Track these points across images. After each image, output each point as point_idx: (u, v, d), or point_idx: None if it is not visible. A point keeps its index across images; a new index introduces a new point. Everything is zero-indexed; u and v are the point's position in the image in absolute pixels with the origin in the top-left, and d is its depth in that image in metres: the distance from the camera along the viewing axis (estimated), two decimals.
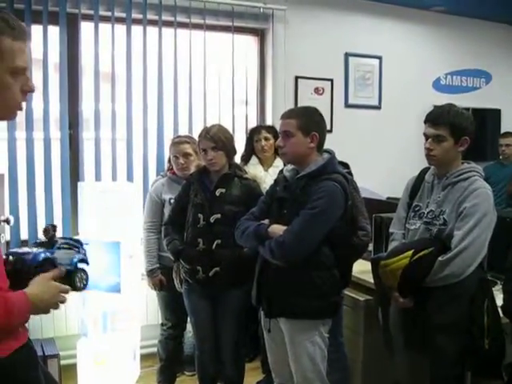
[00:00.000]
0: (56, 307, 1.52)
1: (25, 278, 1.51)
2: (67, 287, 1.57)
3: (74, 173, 3.99)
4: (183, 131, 4.19)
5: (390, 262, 2.49)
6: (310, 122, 2.52)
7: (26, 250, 1.64)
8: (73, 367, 3.54)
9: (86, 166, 4.03)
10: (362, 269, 3.07)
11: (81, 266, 1.72)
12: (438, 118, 2.46)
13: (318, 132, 2.52)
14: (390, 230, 2.73)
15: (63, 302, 1.53)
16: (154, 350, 3.83)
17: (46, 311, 1.51)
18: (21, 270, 1.54)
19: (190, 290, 3.09)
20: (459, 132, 2.43)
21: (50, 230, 1.74)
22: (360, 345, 3.23)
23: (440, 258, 2.37)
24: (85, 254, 1.78)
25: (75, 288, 1.67)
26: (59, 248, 1.70)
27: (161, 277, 3.45)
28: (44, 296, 1.47)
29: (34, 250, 1.64)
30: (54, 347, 3.64)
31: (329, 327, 2.57)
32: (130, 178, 4.08)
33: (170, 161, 3.65)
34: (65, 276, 1.62)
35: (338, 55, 4.93)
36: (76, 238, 1.87)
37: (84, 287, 1.73)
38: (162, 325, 3.64)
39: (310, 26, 4.73)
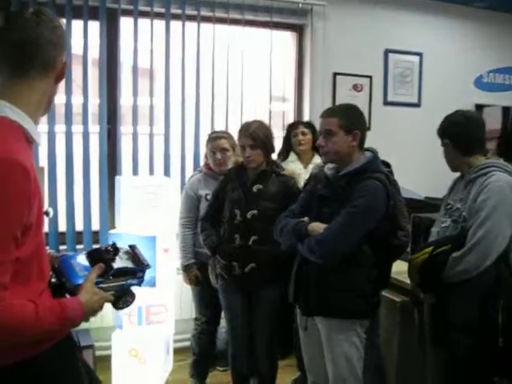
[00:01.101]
0: (95, 315, 1.54)
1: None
2: (111, 298, 1.58)
3: (111, 167, 4.04)
4: (220, 127, 4.20)
5: (413, 258, 2.52)
6: (351, 120, 2.49)
7: (76, 263, 1.59)
8: (107, 358, 3.58)
9: (123, 161, 4.07)
10: (398, 269, 3.02)
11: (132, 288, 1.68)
12: None
13: (360, 130, 2.48)
14: (431, 230, 2.70)
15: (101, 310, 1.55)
16: (187, 343, 3.85)
17: (88, 319, 1.53)
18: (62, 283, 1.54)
19: (226, 285, 3.09)
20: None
21: (110, 251, 1.62)
22: (395, 346, 3.19)
23: (453, 254, 2.37)
24: (141, 277, 1.68)
25: (115, 307, 1.64)
26: (110, 276, 1.58)
27: (196, 272, 3.46)
28: (94, 306, 1.49)
29: (81, 268, 1.57)
30: (89, 338, 3.69)
31: (366, 327, 2.54)
32: (166, 172, 4.11)
33: (206, 156, 3.66)
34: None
35: (378, 51, 4.86)
36: (143, 259, 1.69)
37: (123, 308, 1.68)
38: (196, 319, 3.65)
39: (349, 22, 4.68)
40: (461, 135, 2.54)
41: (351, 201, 2.38)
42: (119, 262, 1.61)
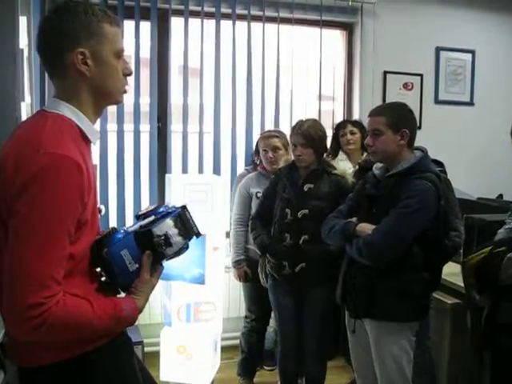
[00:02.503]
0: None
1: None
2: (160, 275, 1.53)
3: (161, 165, 4.08)
4: (270, 126, 4.20)
5: (469, 258, 2.44)
6: (399, 119, 2.45)
7: (125, 254, 1.46)
8: (156, 354, 3.62)
9: (173, 159, 4.11)
10: (450, 271, 2.96)
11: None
12: None
13: (408, 128, 2.44)
14: (498, 231, 2.64)
15: None
16: (235, 342, 3.87)
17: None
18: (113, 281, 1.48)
19: (276, 285, 3.09)
20: None
21: (162, 244, 1.45)
22: (446, 349, 3.13)
23: (509, 255, 2.28)
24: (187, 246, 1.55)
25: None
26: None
27: (246, 268, 3.48)
28: (145, 300, 1.48)
29: (130, 259, 1.45)
30: (139, 334, 3.73)
31: (416, 330, 2.49)
32: (216, 171, 4.13)
33: (256, 155, 3.67)
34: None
35: (429, 49, 4.76)
36: (192, 227, 1.54)
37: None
38: (246, 317, 3.67)
39: (399, 20, 4.60)
40: None
41: (400, 201, 2.35)
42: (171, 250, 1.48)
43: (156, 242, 1.44)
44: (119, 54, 1.47)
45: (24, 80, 3.15)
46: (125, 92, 1.53)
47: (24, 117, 2.98)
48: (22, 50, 2.93)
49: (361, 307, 2.49)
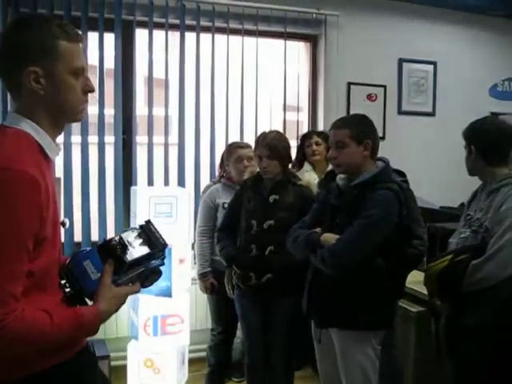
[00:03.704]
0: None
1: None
2: (136, 289, 1.53)
3: (127, 177, 4.05)
4: (235, 137, 4.21)
5: (431, 266, 2.49)
6: (362, 131, 2.48)
7: (87, 264, 1.48)
8: (123, 368, 3.58)
9: (138, 171, 4.08)
10: (414, 279, 3.00)
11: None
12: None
13: (371, 140, 2.48)
14: (449, 241, 2.68)
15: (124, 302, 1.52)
16: (202, 354, 3.84)
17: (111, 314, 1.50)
18: (78, 292, 1.49)
19: (242, 295, 3.09)
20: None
21: (118, 249, 1.48)
22: (411, 356, 3.17)
23: (473, 262, 2.34)
24: (162, 256, 1.59)
25: (143, 286, 1.58)
26: (126, 271, 1.50)
27: (212, 280, 3.46)
28: (113, 309, 1.47)
29: (93, 269, 1.47)
30: (105, 348, 3.69)
31: (381, 339, 2.51)
32: (181, 183, 4.12)
33: (221, 166, 3.68)
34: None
35: (392, 61, 4.85)
36: (158, 237, 1.56)
37: (150, 285, 1.61)
38: (212, 330, 3.65)
39: (363, 32, 4.67)
40: (490, 146, 2.51)
41: (363, 211, 2.37)
42: (133, 252, 1.50)
43: (113, 247, 1.48)
44: (77, 71, 1.43)
45: None
46: (82, 111, 1.49)
47: None
48: None
49: (326, 317, 2.51)
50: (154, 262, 1.57)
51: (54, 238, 1.41)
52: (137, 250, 1.51)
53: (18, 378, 1.35)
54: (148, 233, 1.55)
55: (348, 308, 2.41)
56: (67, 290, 1.49)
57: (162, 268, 1.63)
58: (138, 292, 1.55)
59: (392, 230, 2.39)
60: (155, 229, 1.57)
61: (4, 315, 1.22)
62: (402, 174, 2.82)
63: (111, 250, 1.48)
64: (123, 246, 1.49)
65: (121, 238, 1.50)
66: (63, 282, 1.48)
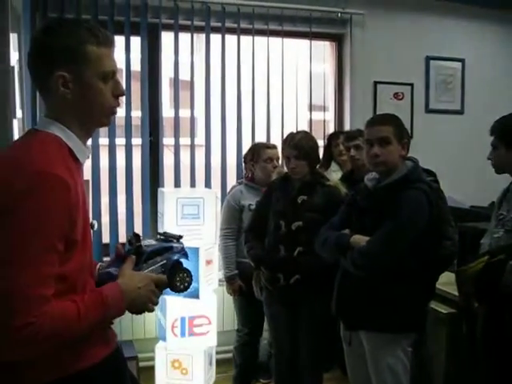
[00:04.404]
0: (151, 302, 1.50)
1: None
2: (163, 278, 1.54)
3: (153, 179, 4.07)
4: (261, 137, 4.21)
5: (467, 268, 2.45)
6: (402, 129, 2.46)
7: (111, 270, 1.54)
8: (151, 369, 3.60)
9: (165, 172, 4.10)
10: (444, 280, 2.95)
11: (184, 262, 1.63)
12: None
13: (408, 139, 2.46)
14: (481, 241, 2.63)
15: (156, 294, 1.51)
16: (229, 355, 3.84)
17: (143, 304, 1.49)
18: None
19: (270, 297, 3.08)
20: None
21: (133, 241, 1.56)
22: (443, 358, 3.12)
23: (511, 262, 2.29)
24: (182, 250, 1.65)
25: (174, 289, 1.59)
26: (146, 260, 1.55)
27: (240, 283, 3.46)
28: (136, 284, 1.45)
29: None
30: (133, 349, 3.72)
31: (412, 341, 2.48)
32: (207, 184, 4.13)
33: (247, 168, 3.67)
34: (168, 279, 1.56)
35: (419, 59, 4.79)
36: (170, 233, 1.68)
37: (187, 287, 1.62)
38: (238, 331, 3.65)
39: (389, 30, 4.63)
40: None
41: (393, 212, 2.34)
42: (150, 247, 1.58)
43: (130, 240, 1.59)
44: (106, 75, 1.43)
45: (16, 96, 3.15)
46: (113, 114, 1.50)
47: (16, 133, 2.98)
48: (13, 68, 2.93)
49: (356, 319, 2.49)
50: (174, 255, 1.60)
51: (85, 240, 1.41)
52: (153, 245, 1.60)
53: (48, 381, 1.36)
54: (163, 237, 1.67)
55: (378, 310, 2.38)
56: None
57: (189, 268, 1.65)
58: (165, 284, 1.56)
59: (422, 231, 2.36)
60: (168, 233, 1.69)
61: (34, 318, 1.22)
62: (431, 173, 2.80)
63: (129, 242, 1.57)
64: (137, 237, 1.57)
65: (134, 233, 1.60)
66: None
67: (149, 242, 1.62)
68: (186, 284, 1.62)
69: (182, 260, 1.64)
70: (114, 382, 1.52)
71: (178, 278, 1.60)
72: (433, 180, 2.69)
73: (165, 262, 1.57)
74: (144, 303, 1.48)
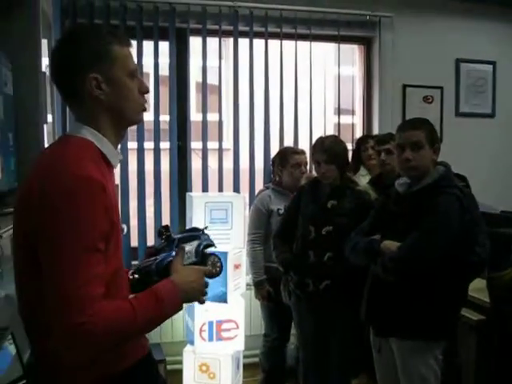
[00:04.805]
0: (203, 293, 1.52)
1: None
2: (205, 268, 1.56)
3: (181, 183, 4.09)
4: (289, 142, 4.20)
5: (501, 275, 2.39)
6: (434, 134, 2.44)
7: (147, 262, 1.61)
8: (178, 372, 3.60)
9: (193, 177, 4.11)
10: (474, 286, 2.90)
11: (209, 250, 1.68)
12: None
13: (439, 144, 2.42)
14: None
15: (206, 285, 1.53)
16: (256, 360, 3.83)
17: (196, 297, 1.51)
18: (148, 281, 1.53)
19: (299, 302, 3.06)
20: None
21: (163, 231, 1.66)
22: (472, 366, 3.07)
23: None
24: (208, 238, 1.71)
25: (210, 274, 1.62)
26: (178, 245, 1.62)
27: (268, 288, 3.45)
28: (189, 278, 1.47)
29: (156, 257, 1.60)
30: (161, 352, 3.73)
31: (443, 348, 2.44)
32: (236, 188, 4.13)
33: (274, 172, 3.67)
34: (198, 264, 1.60)
35: (449, 61, 4.74)
36: (192, 226, 1.78)
37: (220, 271, 1.68)
38: (265, 335, 3.64)
39: (418, 33, 4.58)
40: None
41: (425, 218, 2.31)
42: (179, 236, 1.66)
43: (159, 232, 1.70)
44: (132, 73, 1.47)
45: (47, 101, 3.19)
46: (144, 110, 1.53)
47: (46, 138, 3.02)
48: (44, 73, 2.97)
49: (386, 326, 2.46)
50: (202, 242, 1.66)
51: (118, 242, 1.43)
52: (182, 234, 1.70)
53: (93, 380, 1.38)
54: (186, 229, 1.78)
55: (410, 317, 2.35)
56: (136, 276, 1.58)
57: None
58: (214, 275, 1.62)
59: (455, 237, 2.32)
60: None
61: (86, 317, 1.23)
62: (462, 178, 2.75)
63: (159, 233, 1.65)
64: (166, 227, 1.67)
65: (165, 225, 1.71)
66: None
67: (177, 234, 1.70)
68: (218, 269, 1.69)
69: (210, 249, 1.70)
70: (149, 382, 1.54)
71: (210, 262, 1.66)
72: (464, 185, 2.64)
73: (196, 246, 1.62)
74: (197, 296, 1.51)
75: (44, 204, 1.27)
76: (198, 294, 1.51)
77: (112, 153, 1.45)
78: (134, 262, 3.96)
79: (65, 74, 1.42)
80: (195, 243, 1.64)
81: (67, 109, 3.74)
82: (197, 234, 1.69)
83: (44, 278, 1.27)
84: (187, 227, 3.63)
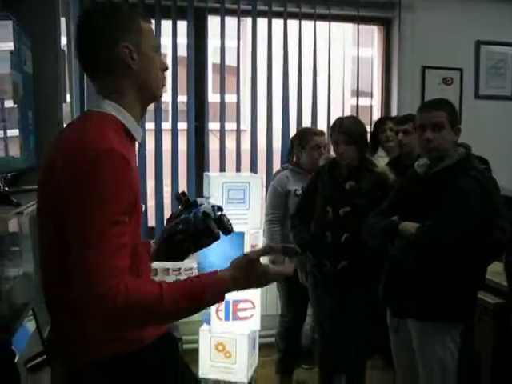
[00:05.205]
0: (263, 285, 1.46)
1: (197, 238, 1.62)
2: (288, 269, 1.47)
3: (199, 163, 4.10)
4: (307, 123, 4.18)
5: None
6: (455, 115, 2.42)
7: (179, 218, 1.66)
8: (194, 352, 3.64)
9: (211, 157, 4.12)
10: (492, 270, 2.89)
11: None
12: None
13: (459, 125, 2.39)
14: None
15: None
16: (272, 339, 3.85)
17: (254, 287, 1.46)
18: (192, 231, 1.61)
19: (316, 283, 3.08)
20: None
21: (181, 197, 1.70)
22: (489, 349, 3.07)
23: None
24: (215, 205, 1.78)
25: (228, 229, 1.71)
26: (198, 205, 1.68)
27: None
28: (254, 280, 1.41)
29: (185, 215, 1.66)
30: (178, 332, 3.76)
31: (461, 330, 2.44)
32: (253, 169, 4.13)
33: (291, 152, 3.66)
34: (218, 222, 1.67)
35: (469, 43, 4.66)
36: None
37: (232, 229, 1.74)
38: (282, 316, 3.65)
39: (438, 14, 4.51)
40: None
41: (444, 200, 2.29)
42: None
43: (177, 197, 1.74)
44: (157, 49, 1.49)
45: (66, 80, 3.20)
46: (163, 86, 1.54)
47: (65, 117, 3.03)
48: (63, 52, 2.97)
49: (404, 307, 2.46)
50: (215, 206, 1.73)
51: (138, 219, 1.43)
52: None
53: (107, 357, 1.38)
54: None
55: (428, 298, 2.35)
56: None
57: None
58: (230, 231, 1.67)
59: (474, 220, 2.30)
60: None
61: (112, 288, 1.22)
62: (484, 161, 2.73)
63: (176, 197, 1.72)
64: (185, 193, 1.73)
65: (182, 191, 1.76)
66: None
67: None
68: (231, 225, 1.74)
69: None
70: (171, 357, 1.55)
71: (226, 219, 1.71)
72: (485, 168, 2.62)
73: (211, 206, 1.69)
74: (257, 286, 1.46)
75: (68, 176, 1.28)
76: (258, 286, 1.46)
77: (135, 127, 1.45)
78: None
79: (96, 43, 1.42)
80: (209, 203, 1.72)
81: (85, 89, 3.76)
82: (201, 201, 1.74)
83: (70, 249, 1.27)
84: None
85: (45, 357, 1.70)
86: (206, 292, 1.33)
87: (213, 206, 1.70)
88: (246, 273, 1.38)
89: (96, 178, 1.26)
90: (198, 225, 1.63)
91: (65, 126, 2.86)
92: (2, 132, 2.22)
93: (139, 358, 1.43)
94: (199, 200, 1.71)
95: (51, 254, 1.39)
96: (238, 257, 1.41)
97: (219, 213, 1.72)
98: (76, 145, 1.31)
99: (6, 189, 2.26)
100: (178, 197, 1.70)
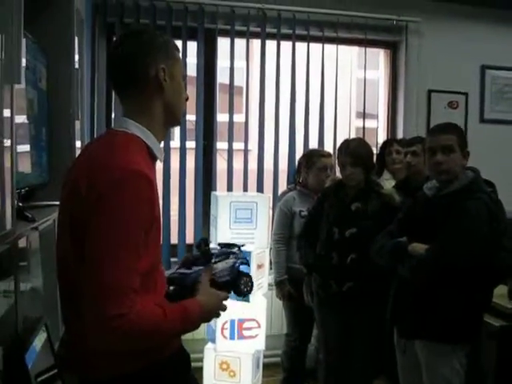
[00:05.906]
0: (218, 316, 1.57)
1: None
2: (226, 294, 1.58)
3: (206, 182, 4.12)
4: (313, 144, 4.21)
5: None
6: (464, 139, 2.46)
7: (183, 271, 1.63)
8: (199, 370, 3.62)
9: (218, 176, 4.15)
10: (496, 292, 2.90)
11: (243, 269, 1.70)
12: None
13: (467, 149, 2.43)
14: None
15: (224, 309, 1.56)
16: (276, 359, 3.85)
17: (209, 319, 1.57)
18: (179, 293, 1.57)
19: (321, 304, 3.08)
20: None
21: (202, 245, 1.68)
22: (493, 371, 3.06)
23: None
24: (244, 257, 1.74)
25: (240, 293, 1.67)
26: (215, 261, 1.64)
27: (289, 288, 3.47)
28: (209, 305, 1.50)
29: (193, 269, 1.62)
30: None
31: (467, 351, 2.45)
32: (259, 189, 4.16)
33: (298, 174, 3.69)
34: (230, 283, 1.63)
35: (474, 68, 4.71)
36: (231, 242, 1.80)
37: (249, 291, 1.70)
38: (288, 335, 3.66)
39: (444, 38, 4.57)
40: None
41: (453, 222, 2.32)
42: (216, 251, 1.69)
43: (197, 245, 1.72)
44: (184, 77, 1.57)
45: (78, 98, 3.24)
46: (183, 115, 1.62)
47: (77, 135, 3.06)
48: (77, 70, 3.02)
49: (411, 328, 2.47)
50: (237, 260, 1.68)
51: (158, 237, 1.45)
52: (219, 248, 1.74)
53: (118, 374, 1.39)
54: (223, 244, 1.79)
55: (436, 319, 2.37)
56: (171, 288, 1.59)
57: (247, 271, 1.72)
58: (227, 298, 1.60)
59: (482, 242, 2.33)
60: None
61: (126, 309, 1.26)
62: (491, 184, 2.75)
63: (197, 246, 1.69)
64: (205, 240, 1.70)
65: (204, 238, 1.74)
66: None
67: (214, 249, 1.72)
68: (249, 288, 1.69)
69: (244, 266, 1.71)
70: (183, 373, 1.59)
71: (243, 282, 1.67)
72: (491, 191, 2.65)
73: (231, 265, 1.64)
74: (211, 319, 1.58)
75: (92, 195, 1.30)
76: (213, 316, 1.56)
77: (157, 147, 1.49)
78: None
79: (138, 60, 1.46)
80: (231, 262, 1.66)
81: (95, 107, 3.81)
82: (233, 251, 1.71)
83: (87, 267, 1.29)
84: (211, 226, 3.66)
85: (56, 371, 1.71)
86: (194, 314, 1.43)
87: (233, 267, 1.66)
88: (208, 295, 1.51)
89: (118, 199, 1.29)
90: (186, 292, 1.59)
91: (77, 143, 2.91)
92: (17, 148, 2.24)
93: (152, 374, 1.44)
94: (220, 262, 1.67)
95: (68, 268, 1.42)
96: (199, 285, 1.53)
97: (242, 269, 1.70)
98: (101, 163, 1.34)
99: (20, 204, 2.28)
100: (199, 245, 1.69)
